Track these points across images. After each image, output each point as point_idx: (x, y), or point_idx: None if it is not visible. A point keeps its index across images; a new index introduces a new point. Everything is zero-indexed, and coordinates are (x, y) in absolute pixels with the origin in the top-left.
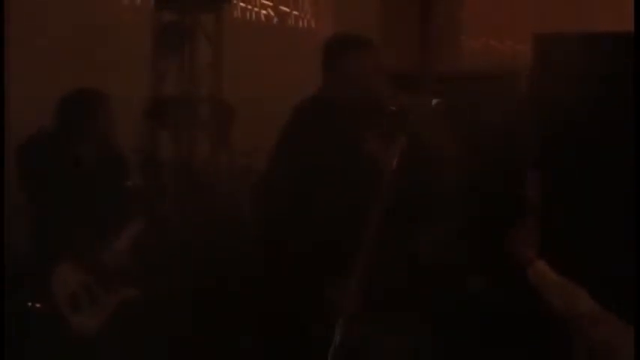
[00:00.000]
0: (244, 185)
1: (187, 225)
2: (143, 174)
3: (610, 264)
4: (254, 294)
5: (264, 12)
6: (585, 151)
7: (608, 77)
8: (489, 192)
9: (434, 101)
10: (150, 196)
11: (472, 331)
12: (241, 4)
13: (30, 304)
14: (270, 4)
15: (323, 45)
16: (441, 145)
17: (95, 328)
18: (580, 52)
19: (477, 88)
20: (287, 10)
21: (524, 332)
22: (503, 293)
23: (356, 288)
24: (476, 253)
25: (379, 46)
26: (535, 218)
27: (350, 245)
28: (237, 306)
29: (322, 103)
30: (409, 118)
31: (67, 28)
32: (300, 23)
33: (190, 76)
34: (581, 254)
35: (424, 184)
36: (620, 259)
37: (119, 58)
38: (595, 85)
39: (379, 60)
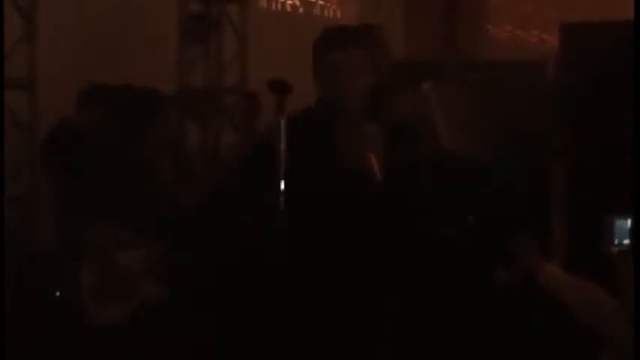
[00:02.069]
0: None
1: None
2: (169, 165)
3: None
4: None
5: (289, 1)
6: (611, 142)
7: (636, 65)
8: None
9: (424, 85)
10: (178, 188)
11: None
12: None
13: (57, 293)
14: None
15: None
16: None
17: (119, 319)
18: (607, 41)
19: (503, 77)
20: None
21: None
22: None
23: None
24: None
25: (375, 39)
26: (542, 223)
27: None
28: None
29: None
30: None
31: (93, 20)
32: (326, 12)
33: (216, 66)
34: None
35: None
36: None
37: (145, 49)
38: (622, 74)
39: (373, 53)
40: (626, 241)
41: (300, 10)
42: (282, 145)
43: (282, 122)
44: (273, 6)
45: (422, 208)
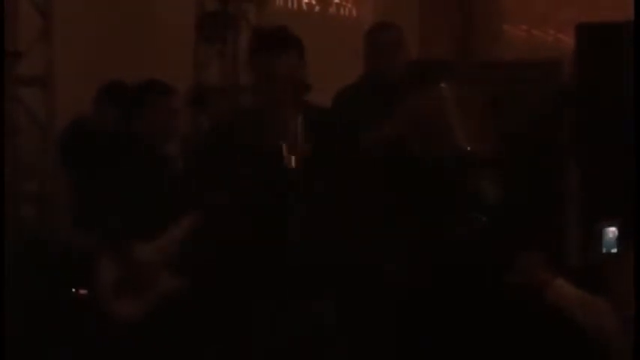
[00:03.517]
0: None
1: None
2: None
3: None
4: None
5: (306, 0)
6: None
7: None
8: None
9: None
10: (195, 186)
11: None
12: None
13: (74, 290)
14: None
15: None
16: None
17: (138, 316)
18: (623, 41)
19: (518, 77)
20: None
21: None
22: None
23: None
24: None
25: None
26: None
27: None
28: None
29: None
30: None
31: (110, 17)
32: (342, 11)
33: (233, 64)
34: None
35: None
36: None
37: (162, 47)
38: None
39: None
40: (614, 250)
41: (317, 8)
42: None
43: (300, 119)
44: (289, 4)
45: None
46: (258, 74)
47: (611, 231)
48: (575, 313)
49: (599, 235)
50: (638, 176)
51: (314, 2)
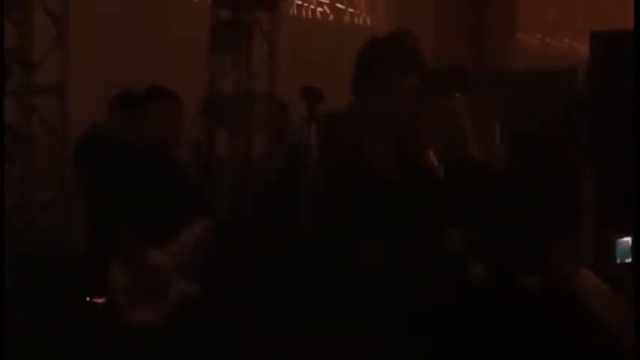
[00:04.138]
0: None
1: (243, 221)
2: (200, 171)
3: None
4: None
5: (320, 9)
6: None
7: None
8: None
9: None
10: (208, 192)
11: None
12: (297, 1)
13: (88, 298)
14: (327, 1)
15: None
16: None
17: (153, 322)
18: (637, 48)
19: (533, 85)
20: (343, 7)
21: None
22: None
23: None
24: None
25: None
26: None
27: None
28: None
29: None
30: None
31: (126, 27)
32: (356, 20)
33: (247, 73)
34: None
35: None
36: None
37: (177, 56)
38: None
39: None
40: (628, 260)
41: (331, 17)
42: (314, 150)
43: (314, 128)
44: (304, 14)
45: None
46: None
47: (625, 241)
48: (597, 303)
49: (613, 245)
50: (639, 177)
51: (328, 11)
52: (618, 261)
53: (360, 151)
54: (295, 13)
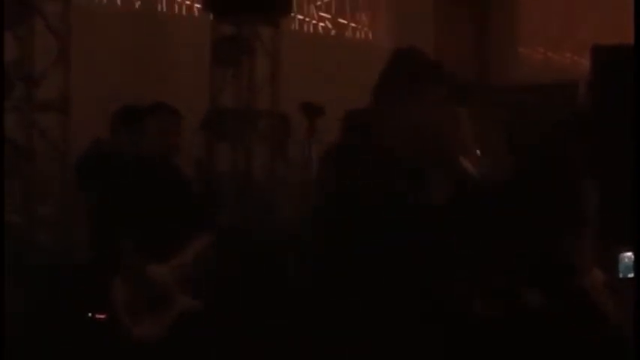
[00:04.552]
0: (301, 197)
1: (245, 235)
2: (202, 185)
3: None
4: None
5: (322, 24)
6: None
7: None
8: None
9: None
10: (209, 207)
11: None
12: (299, 16)
13: (90, 314)
14: (328, 16)
15: None
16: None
17: (154, 337)
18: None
19: (535, 99)
20: (344, 22)
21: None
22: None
23: None
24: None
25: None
26: (591, 228)
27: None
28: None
29: None
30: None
31: (127, 41)
32: (358, 35)
33: (248, 88)
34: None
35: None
36: None
37: (178, 70)
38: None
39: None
40: (631, 275)
41: (332, 32)
42: (314, 164)
43: (313, 143)
44: (305, 28)
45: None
46: None
47: (627, 256)
48: (605, 301)
49: (615, 260)
50: (639, 179)
51: (330, 26)
52: (620, 276)
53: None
54: (297, 27)
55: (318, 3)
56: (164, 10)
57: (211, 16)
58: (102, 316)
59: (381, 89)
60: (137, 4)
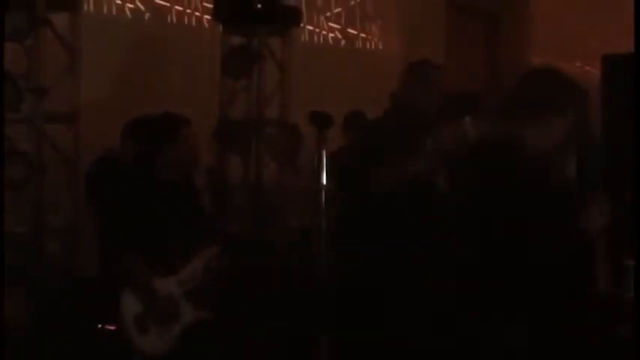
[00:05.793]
0: (311, 206)
1: (256, 246)
2: (212, 196)
3: None
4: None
5: (331, 35)
6: None
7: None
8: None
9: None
10: (219, 219)
11: None
12: (309, 27)
13: (99, 325)
14: (338, 27)
15: None
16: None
17: (163, 350)
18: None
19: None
20: (355, 32)
21: None
22: None
23: None
24: None
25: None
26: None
27: None
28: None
29: None
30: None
31: (136, 53)
32: (368, 45)
33: (258, 99)
34: None
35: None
36: None
37: (188, 81)
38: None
39: None
40: None
41: (342, 43)
42: (324, 175)
43: (324, 154)
44: (315, 39)
45: None
46: None
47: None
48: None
49: (628, 271)
50: (638, 179)
51: (340, 37)
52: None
53: None
54: (307, 38)
55: (328, 14)
56: (174, 20)
57: (221, 27)
58: (110, 328)
59: None
60: (147, 15)
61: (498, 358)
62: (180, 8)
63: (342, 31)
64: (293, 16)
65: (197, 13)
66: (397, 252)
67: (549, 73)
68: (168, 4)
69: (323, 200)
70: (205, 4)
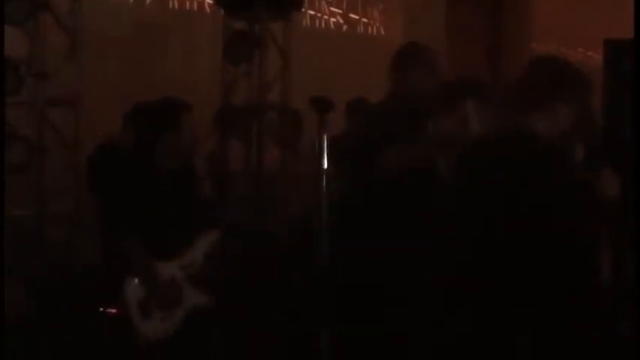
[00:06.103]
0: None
1: (255, 231)
2: (213, 182)
3: None
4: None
5: (333, 20)
6: None
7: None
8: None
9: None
10: (220, 204)
11: None
12: (310, 12)
13: (102, 309)
14: (340, 11)
15: None
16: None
17: (165, 334)
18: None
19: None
20: (356, 17)
21: None
22: None
23: None
24: None
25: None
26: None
27: None
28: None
29: None
30: None
31: (137, 37)
32: (370, 30)
33: (260, 84)
34: None
35: None
36: None
37: (189, 66)
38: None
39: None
40: None
41: (344, 28)
42: (325, 160)
43: (325, 139)
44: (317, 24)
45: None
46: None
47: None
48: None
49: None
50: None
51: (341, 22)
52: None
53: None
54: (308, 23)
55: None
56: (175, 6)
57: (222, 12)
58: (112, 313)
59: None
60: (148, 0)
61: (501, 353)
62: None
63: (344, 16)
64: (294, 1)
65: None
66: (398, 239)
67: (553, 61)
68: None
69: (324, 185)
70: None
